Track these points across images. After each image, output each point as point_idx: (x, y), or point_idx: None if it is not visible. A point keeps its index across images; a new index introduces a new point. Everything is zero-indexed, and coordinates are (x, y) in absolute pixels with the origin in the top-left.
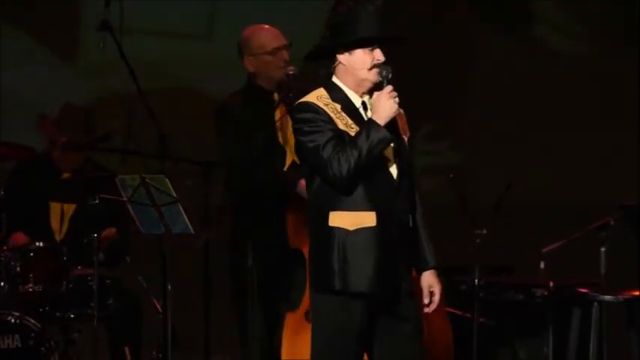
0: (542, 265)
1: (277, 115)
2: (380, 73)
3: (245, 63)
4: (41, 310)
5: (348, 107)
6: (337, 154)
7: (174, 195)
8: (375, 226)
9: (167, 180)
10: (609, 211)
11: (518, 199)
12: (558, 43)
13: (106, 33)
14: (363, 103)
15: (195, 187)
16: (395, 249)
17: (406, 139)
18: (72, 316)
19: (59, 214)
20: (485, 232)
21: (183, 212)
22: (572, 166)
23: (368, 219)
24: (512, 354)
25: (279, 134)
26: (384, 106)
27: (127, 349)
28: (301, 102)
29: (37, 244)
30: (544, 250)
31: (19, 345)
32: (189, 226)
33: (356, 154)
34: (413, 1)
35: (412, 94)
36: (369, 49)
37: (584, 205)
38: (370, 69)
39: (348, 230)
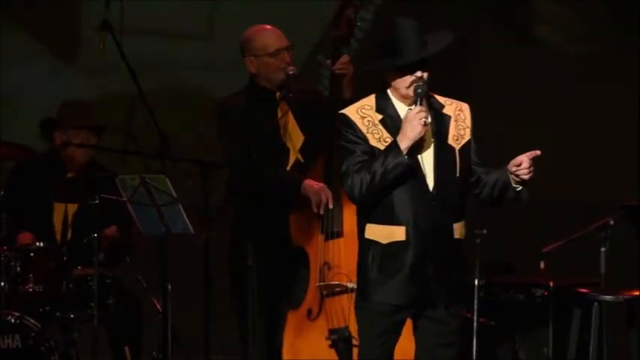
0: (542, 265)
1: (278, 114)
2: (415, 91)
3: (246, 63)
4: (41, 310)
5: (391, 118)
6: (353, 174)
7: (174, 195)
8: (404, 241)
9: (167, 180)
10: (609, 211)
11: None
12: (558, 43)
13: (106, 33)
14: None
15: (195, 187)
16: (426, 264)
17: (458, 146)
18: (72, 316)
19: (62, 215)
20: (485, 232)
21: (183, 212)
22: (572, 166)
23: (398, 233)
24: (512, 354)
25: (282, 133)
26: (408, 128)
27: (127, 349)
28: (340, 113)
29: (38, 244)
30: (544, 250)
31: (19, 345)
32: (189, 226)
33: (368, 177)
34: (413, 1)
35: None
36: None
37: (584, 205)
38: (409, 86)
39: (382, 243)
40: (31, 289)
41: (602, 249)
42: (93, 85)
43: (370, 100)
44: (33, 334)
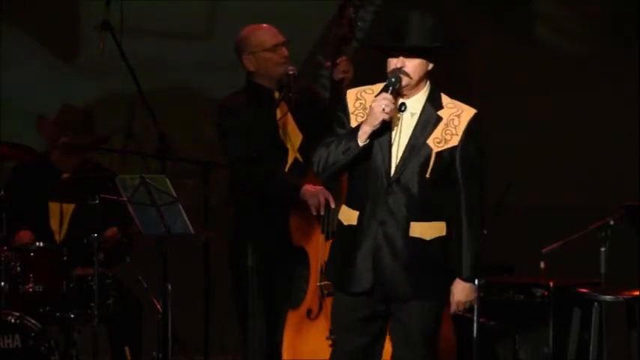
0: (542, 265)
1: (278, 114)
2: (389, 79)
3: (244, 62)
4: (41, 310)
5: None
6: (318, 149)
7: (174, 195)
8: (355, 226)
9: (167, 180)
10: (609, 211)
11: (518, 199)
12: (558, 43)
13: (106, 33)
14: (402, 104)
15: (195, 187)
16: (379, 256)
17: (437, 149)
18: (72, 316)
19: (58, 214)
20: (485, 232)
21: (183, 212)
22: (572, 166)
23: (352, 217)
24: (513, 354)
25: (281, 133)
26: (370, 112)
27: (127, 349)
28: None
29: (37, 244)
30: (544, 250)
31: (19, 345)
32: (189, 226)
33: (325, 155)
34: (413, 2)
35: None
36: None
37: (584, 205)
38: (389, 74)
39: (343, 225)
40: (31, 289)
41: (602, 249)
42: (93, 85)
43: (378, 87)
44: (33, 334)
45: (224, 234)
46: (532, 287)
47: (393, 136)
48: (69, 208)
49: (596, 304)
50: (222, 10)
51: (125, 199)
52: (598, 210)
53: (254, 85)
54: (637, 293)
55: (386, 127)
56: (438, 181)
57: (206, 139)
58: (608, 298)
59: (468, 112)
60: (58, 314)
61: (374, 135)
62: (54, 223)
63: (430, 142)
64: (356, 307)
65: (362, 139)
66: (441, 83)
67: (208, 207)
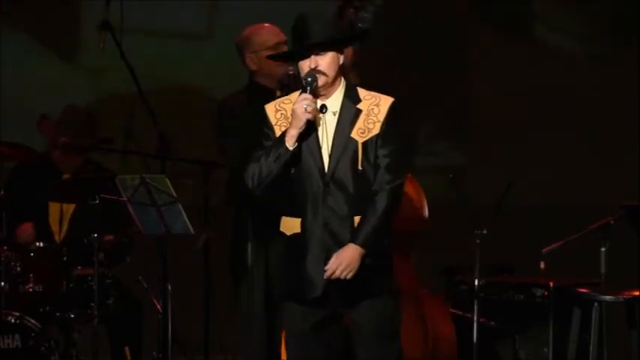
0: (542, 265)
1: None
2: (304, 79)
3: (246, 61)
4: (41, 310)
5: None
6: (247, 167)
7: (174, 195)
8: (300, 233)
9: (167, 180)
10: (609, 211)
11: (518, 199)
12: (559, 43)
13: (106, 33)
14: (323, 106)
15: (195, 187)
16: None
17: (362, 140)
18: (72, 316)
19: (58, 215)
20: (485, 232)
21: (183, 212)
22: (572, 166)
23: (295, 225)
24: (512, 354)
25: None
26: (293, 115)
27: (127, 349)
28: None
29: (37, 244)
30: (544, 250)
31: (19, 345)
32: (189, 226)
33: (257, 168)
34: (413, 2)
35: (413, 95)
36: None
37: (584, 205)
38: (304, 76)
39: (287, 235)
40: (31, 289)
41: (602, 249)
42: (93, 85)
43: (294, 95)
44: (33, 334)
45: (224, 234)
46: (532, 287)
47: (320, 138)
48: (69, 208)
49: (596, 304)
50: (222, 10)
51: (125, 199)
52: (598, 210)
53: (256, 84)
54: (637, 293)
55: (312, 130)
56: (370, 173)
57: (206, 139)
58: (608, 298)
59: (386, 100)
60: (58, 314)
61: (301, 138)
62: (54, 224)
63: (354, 134)
64: (310, 313)
65: (290, 143)
66: (441, 83)
67: (208, 207)
